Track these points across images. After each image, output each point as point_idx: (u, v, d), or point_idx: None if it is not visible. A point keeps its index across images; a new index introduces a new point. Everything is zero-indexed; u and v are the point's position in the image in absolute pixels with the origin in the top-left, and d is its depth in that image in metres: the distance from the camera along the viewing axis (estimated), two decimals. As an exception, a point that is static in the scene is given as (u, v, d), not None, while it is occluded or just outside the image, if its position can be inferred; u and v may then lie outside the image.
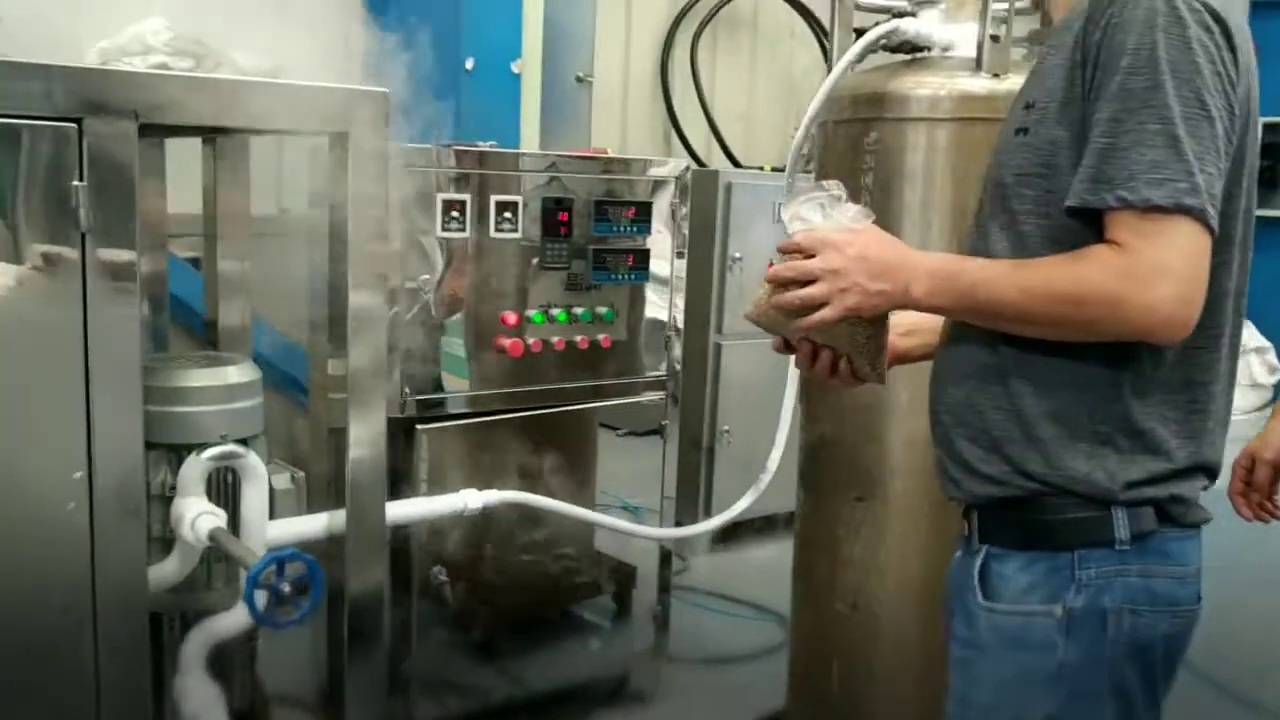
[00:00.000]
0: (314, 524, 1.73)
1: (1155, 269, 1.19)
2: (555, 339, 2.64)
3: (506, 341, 2.54)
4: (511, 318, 2.54)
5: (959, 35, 2.22)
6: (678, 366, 2.93)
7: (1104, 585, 1.33)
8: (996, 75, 2.14)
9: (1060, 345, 1.30)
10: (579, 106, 3.71)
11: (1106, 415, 1.32)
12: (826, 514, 2.36)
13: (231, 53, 1.56)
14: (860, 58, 2.21)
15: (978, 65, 2.14)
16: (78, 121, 1.32)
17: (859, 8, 2.31)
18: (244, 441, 1.65)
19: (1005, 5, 2.14)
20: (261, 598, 1.43)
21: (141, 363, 1.45)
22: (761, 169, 4.68)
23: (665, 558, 3.12)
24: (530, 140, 3.57)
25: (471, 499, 1.97)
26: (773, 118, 6.13)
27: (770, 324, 1.43)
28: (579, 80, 3.68)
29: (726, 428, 4.24)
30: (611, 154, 3.00)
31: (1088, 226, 1.24)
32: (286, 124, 1.51)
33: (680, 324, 2.91)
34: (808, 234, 1.34)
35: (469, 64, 3.35)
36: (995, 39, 2.14)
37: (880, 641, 2.29)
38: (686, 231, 2.91)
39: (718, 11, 6.12)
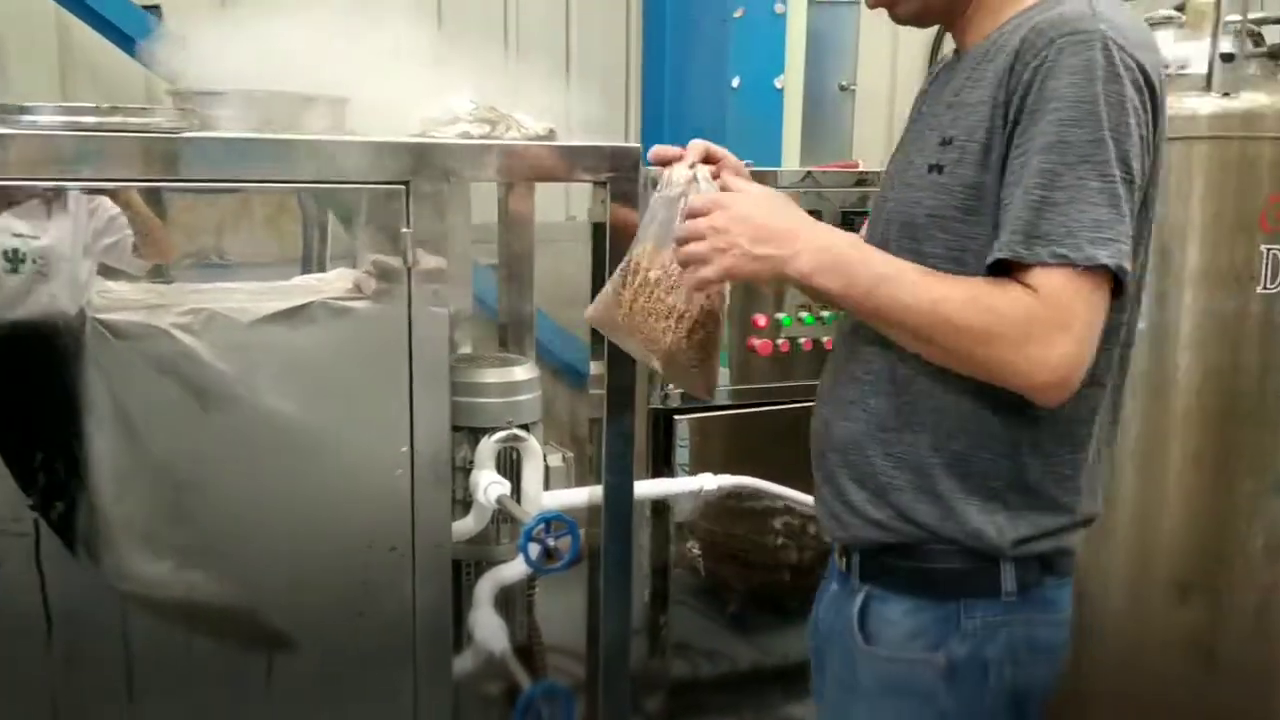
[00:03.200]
0: (578, 496, 2.11)
1: (1061, 324, 1.13)
2: (803, 339, 2.89)
3: (757, 341, 2.81)
4: (762, 320, 2.82)
5: (1193, 52, 2.27)
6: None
7: (988, 635, 1.29)
8: (1227, 94, 2.18)
9: (966, 395, 1.24)
10: (842, 115, 3.88)
11: (1001, 471, 1.27)
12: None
13: (519, 116, 1.95)
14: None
15: (1207, 85, 2.19)
16: (405, 184, 1.74)
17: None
18: (525, 427, 2.06)
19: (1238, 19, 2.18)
20: (534, 550, 1.84)
21: (449, 363, 1.87)
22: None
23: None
24: (791, 150, 3.79)
25: (708, 482, 2.28)
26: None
27: (606, 325, 1.50)
28: (841, 89, 3.85)
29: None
30: (863, 165, 3.21)
31: (1004, 275, 1.16)
32: (561, 176, 1.88)
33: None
34: (703, 195, 1.31)
35: (735, 82, 3.62)
36: (1228, 58, 2.19)
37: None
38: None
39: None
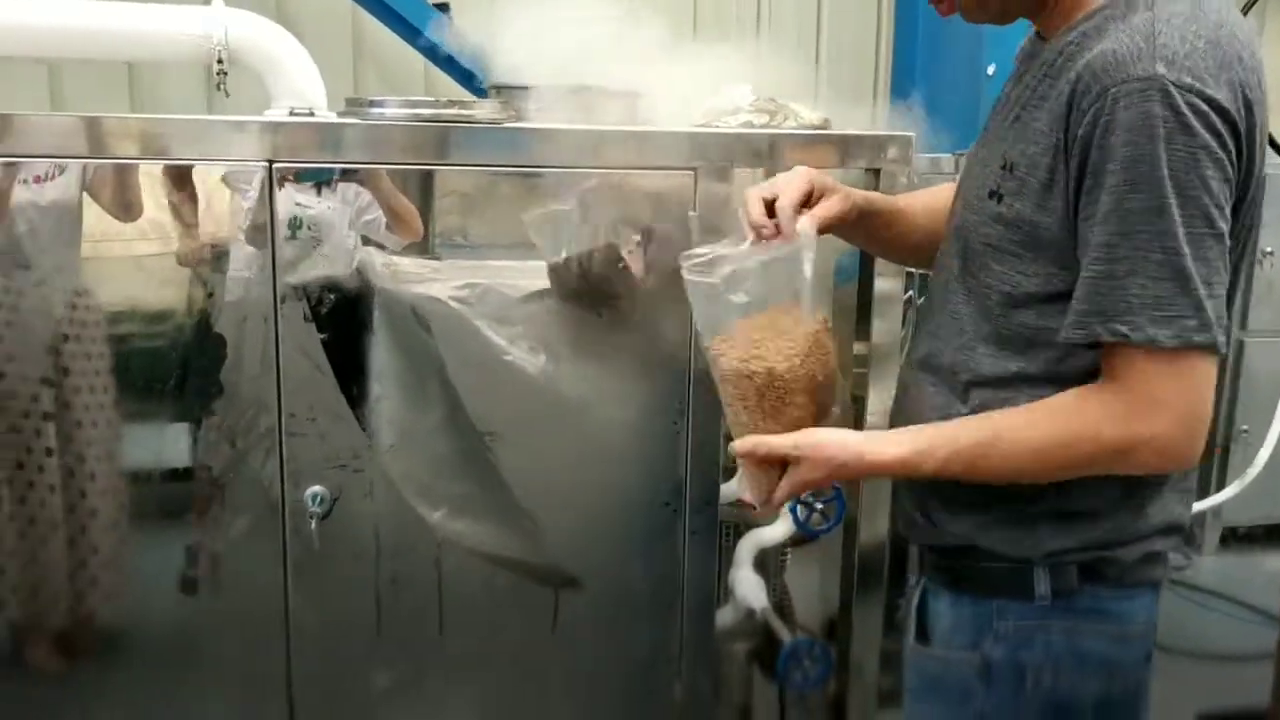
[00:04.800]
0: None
1: (1151, 404, 1.10)
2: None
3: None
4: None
5: None
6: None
7: (1022, 640, 1.27)
8: None
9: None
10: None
11: (1043, 494, 1.23)
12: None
13: (795, 106, 2.06)
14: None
15: None
16: (693, 170, 1.90)
17: None
18: (788, 399, 2.18)
19: None
20: (802, 511, 1.97)
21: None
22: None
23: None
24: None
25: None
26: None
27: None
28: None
29: (1245, 427, 4.12)
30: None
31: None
32: (833, 164, 1.98)
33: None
34: (779, 447, 1.28)
35: (990, 70, 3.60)
36: None
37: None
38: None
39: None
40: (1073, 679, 1.27)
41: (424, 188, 1.90)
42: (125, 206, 1.80)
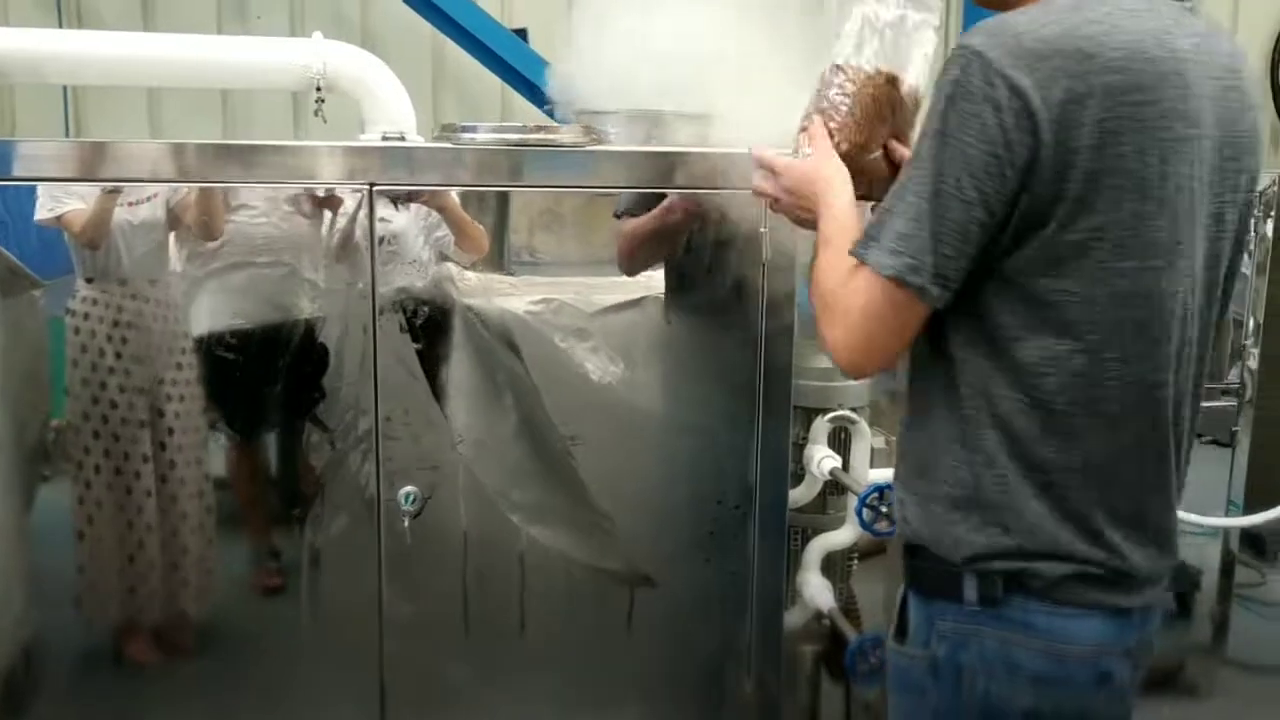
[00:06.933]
0: (901, 475, 2.29)
1: (843, 313, 1.26)
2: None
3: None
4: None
5: None
6: (1249, 375, 3.03)
7: (960, 641, 1.30)
8: None
9: (936, 392, 1.29)
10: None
11: (961, 479, 1.28)
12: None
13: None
14: None
15: None
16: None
17: None
18: (855, 410, 2.27)
19: None
20: (868, 514, 2.05)
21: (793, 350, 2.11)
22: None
23: (1227, 565, 3.23)
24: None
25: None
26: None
27: None
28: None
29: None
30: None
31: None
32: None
33: (1254, 333, 3.01)
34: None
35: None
36: None
37: None
38: (1269, 245, 3.00)
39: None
40: (1003, 688, 1.29)
41: (500, 207, 2.03)
42: (204, 227, 1.94)
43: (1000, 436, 1.24)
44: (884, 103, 1.49)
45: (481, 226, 2.01)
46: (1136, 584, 1.29)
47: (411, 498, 1.99)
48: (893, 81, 1.49)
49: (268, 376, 1.98)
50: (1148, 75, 1.17)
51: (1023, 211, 1.17)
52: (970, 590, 1.28)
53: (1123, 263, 1.19)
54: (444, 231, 1.99)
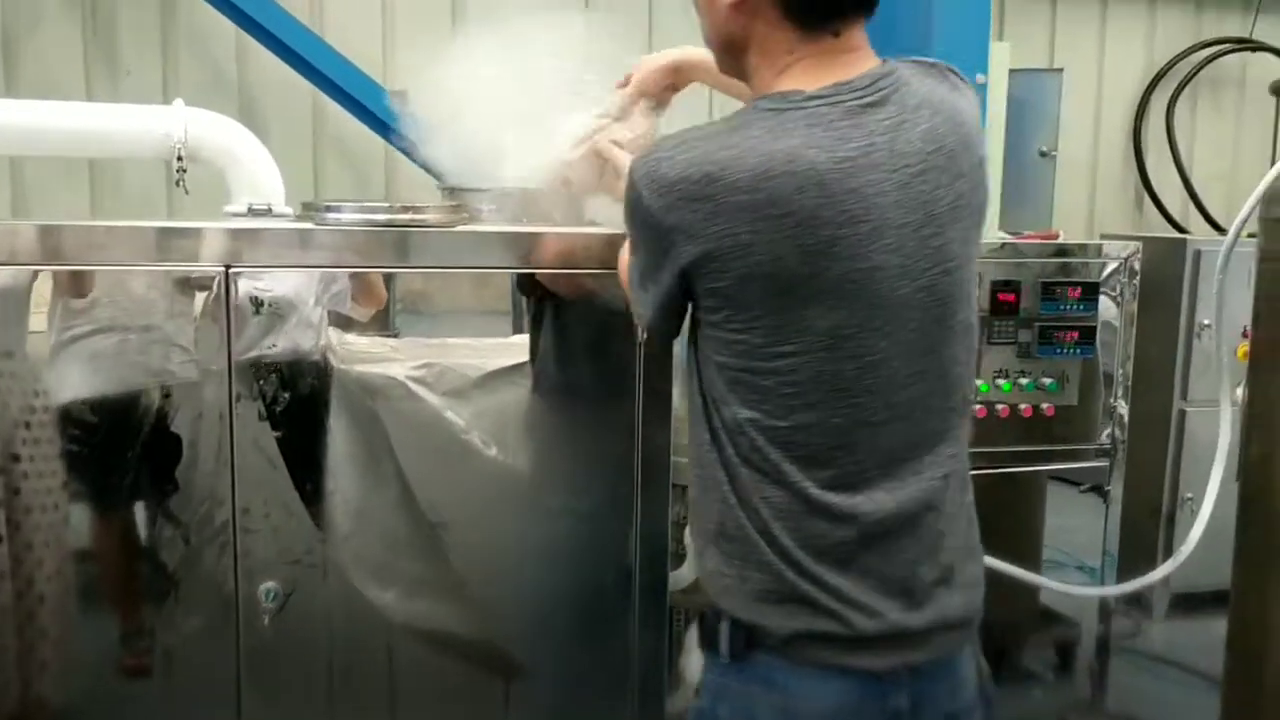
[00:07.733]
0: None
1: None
2: (1000, 406, 2.95)
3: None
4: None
5: None
6: (1119, 433, 3.11)
7: (716, 694, 1.32)
8: None
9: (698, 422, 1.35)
10: (1042, 182, 3.93)
11: (708, 511, 1.31)
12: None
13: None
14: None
15: None
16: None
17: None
18: (735, 485, 2.24)
19: None
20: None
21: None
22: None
23: (1104, 617, 3.29)
24: (990, 217, 3.85)
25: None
26: (1258, 179, 5.84)
27: None
28: (1042, 155, 3.90)
29: (1189, 495, 4.21)
30: (1063, 235, 3.26)
31: None
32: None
33: (1122, 394, 3.09)
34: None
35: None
36: None
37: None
38: (1134, 309, 3.10)
39: (1198, 71, 6.00)
40: None
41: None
42: (73, 283, 1.82)
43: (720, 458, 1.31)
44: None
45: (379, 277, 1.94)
46: (876, 643, 1.27)
47: (272, 594, 1.89)
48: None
49: (120, 464, 1.87)
50: (781, 190, 1.23)
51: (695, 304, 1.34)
52: (723, 643, 1.30)
53: (783, 346, 1.26)
54: (338, 287, 1.92)
